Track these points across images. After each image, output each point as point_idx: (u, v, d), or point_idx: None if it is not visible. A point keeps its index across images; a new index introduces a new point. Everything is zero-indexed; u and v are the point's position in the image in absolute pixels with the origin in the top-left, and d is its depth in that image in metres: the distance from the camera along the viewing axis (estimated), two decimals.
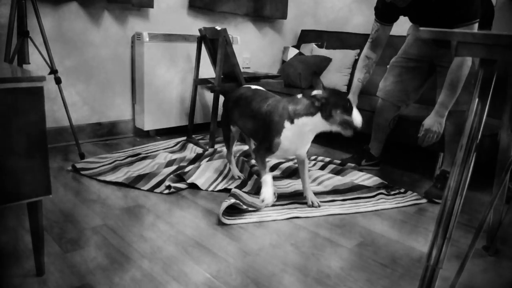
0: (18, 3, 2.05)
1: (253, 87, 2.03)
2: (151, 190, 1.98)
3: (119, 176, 2.08)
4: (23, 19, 2.09)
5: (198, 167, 2.18)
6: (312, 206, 1.89)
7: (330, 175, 2.26)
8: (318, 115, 1.68)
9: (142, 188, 1.99)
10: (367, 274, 1.40)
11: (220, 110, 2.79)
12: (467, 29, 1.82)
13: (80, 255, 1.41)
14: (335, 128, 1.70)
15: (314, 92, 1.68)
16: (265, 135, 1.79)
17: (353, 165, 2.42)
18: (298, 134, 1.74)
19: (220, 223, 1.70)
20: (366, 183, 2.18)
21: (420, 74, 2.26)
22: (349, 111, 1.68)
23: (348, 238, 1.65)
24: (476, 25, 1.84)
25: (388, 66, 2.40)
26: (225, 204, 1.73)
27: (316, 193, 2.02)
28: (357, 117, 1.70)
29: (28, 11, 2.11)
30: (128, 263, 1.38)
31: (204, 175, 2.12)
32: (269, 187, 1.83)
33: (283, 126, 1.73)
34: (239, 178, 2.14)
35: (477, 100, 0.90)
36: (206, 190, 2.03)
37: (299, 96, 1.75)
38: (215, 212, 1.81)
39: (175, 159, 2.32)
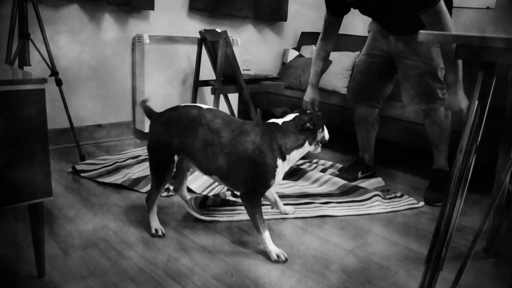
0: (19, 5, 2.06)
1: (203, 106, 1.57)
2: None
3: (118, 178, 2.09)
4: (24, 21, 2.09)
5: (192, 171, 2.15)
6: (286, 213, 1.83)
7: (329, 176, 2.25)
8: (306, 143, 1.55)
9: (141, 190, 1.99)
10: (367, 276, 1.41)
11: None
12: (432, 11, 1.74)
13: (81, 256, 1.41)
14: (312, 149, 1.61)
15: (291, 117, 1.56)
16: (257, 179, 1.49)
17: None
18: (287, 168, 1.56)
19: (220, 225, 1.71)
20: (365, 184, 2.18)
21: (385, 68, 2.22)
22: (323, 128, 1.62)
23: (348, 240, 1.65)
24: (440, 4, 1.74)
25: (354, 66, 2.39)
26: (195, 202, 1.79)
27: (311, 195, 2.02)
28: (326, 133, 1.65)
29: (29, 13, 2.12)
30: (128, 264, 1.38)
31: (200, 179, 2.10)
32: (271, 243, 1.50)
33: (277, 165, 1.49)
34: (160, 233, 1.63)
35: (477, 102, 0.91)
36: (201, 194, 2.00)
37: (280, 122, 1.54)
38: None
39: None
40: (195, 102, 2.83)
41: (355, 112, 2.37)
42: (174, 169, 1.59)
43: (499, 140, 1.45)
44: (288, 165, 1.55)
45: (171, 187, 1.98)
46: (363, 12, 2.11)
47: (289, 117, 1.57)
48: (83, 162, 2.29)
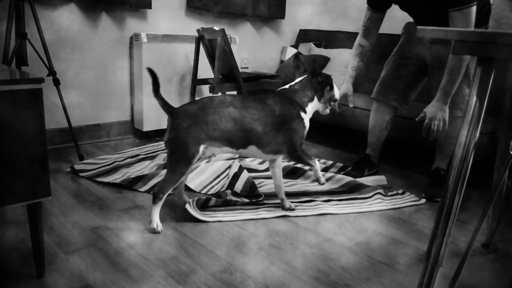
0: (16, 5, 2.05)
1: (219, 94, 1.86)
2: (149, 191, 1.98)
3: (117, 177, 2.08)
4: (21, 21, 2.08)
5: (195, 168, 2.16)
6: (290, 208, 1.85)
7: (331, 174, 2.25)
8: (315, 99, 1.77)
9: (139, 189, 1.99)
10: (367, 272, 1.41)
11: None
12: (463, 14, 1.76)
13: (80, 256, 1.41)
14: (320, 108, 1.83)
15: (298, 80, 1.79)
16: (293, 135, 1.70)
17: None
18: (308, 119, 1.78)
19: (221, 224, 1.71)
20: (367, 181, 2.18)
21: (415, 72, 2.23)
22: (332, 87, 1.81)
23: (348, 236, 1.65)
24: (473, 8, 1.75)
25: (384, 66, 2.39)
26: (196, 202, 1.78)
27: (312, 193, 2.02)
28: (336, 91, 1.83)
29: (26, 13, 2.11)
30: (128, 264, 1.38)
31: (199, 178, 2.11)
32: (320, 172, 1.88)
33: (302, 117, 1.73)
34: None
35: (475, 98, 0.91)
36: (199, 192, 2.01)
37: (287, 86, 1.78)
38: None
39: None
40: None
41: (374, 109, 2.36)
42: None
43: (497, 136, 1.45)
44: (308, 117, 1.76)
45: None
46: (403, 7, 2.11)
47: (296, 80, 1.80)
48: (81, 162, 2.28)
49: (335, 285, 1.33)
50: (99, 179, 2.07)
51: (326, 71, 3.28)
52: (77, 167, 2.18)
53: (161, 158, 2.37)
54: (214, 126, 1.59)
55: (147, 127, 2.87)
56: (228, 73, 2.66)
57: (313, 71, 1.77)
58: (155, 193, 1.61)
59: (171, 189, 1.62)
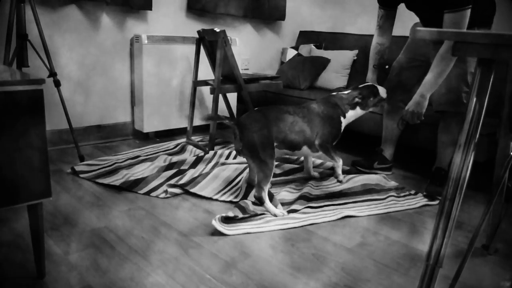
0: (16, 6, 2.06)
1: (268, 106, 2.01)
2: (147, 194, 1.97)
3: (117, 179, 2.08)
4: (21, 22, 2.09)
5: (204, 176, 2.09)
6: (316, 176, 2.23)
7: (351, 175, 2.27)
8: (358, 108, 2.14)
9: (139, 192, 1.99)
10: (367, 274, 1.41)
11: (221, 112, 2.81)
12: (457, 15, 1.81)
13: (81, 257, 1.41)
14: (369, 110, 2.20)
15: (346, 93, 2.16)
16: (331, 132, 2.06)
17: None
18: (346, 123, 2.15)
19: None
20: (370, 179, 2.19)
21: (421, 73, 2.24)
22: (377, 93, 2.16)
23: (348, 238, 1.65)
24: (467, 11, 1.80)
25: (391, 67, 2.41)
26: (221, 217, 1.69)
27: (331, 195, 2.03)
28: (382, 92, 2.17)
29: (26, 14, 2.12)
30: (128, 265, 1.38)
31: (210, 185, 2.04)
32: (341, 170, 2.19)
33: (341, 121, 2.10)
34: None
35: (475, 99, 0.91)
36: (211, 198, 1.96)
37: (335, 93, 2.17)
38: (215, 213, 1.81)
39: (175, 162, 2.32)
40: (194, 102, 2.84)
41: (385, 110, 2.43)
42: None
43: (497, 137, 1.45)
44: (347, 122, 2.14)
45: (169, 189, 1.98)
46: (408, 6, 2.14)
47: (344, 92, 2.17)
48: (82, 163, 2.28)
49: (336, 286, 1.33)
50: (99, 181, 2.07)
51: (326, 72, 3.28)
52: (77, 168, 2.19)
53: (162, 160, 2.37)
54: (279, 129, 1.90)
55: (147, 128, 2.87)
56: (228, 74, 2.67)
57: (355, 87, 2.19)
58: (259, 198, 1.81)
59: (268, 185, 1.83)
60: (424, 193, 2.10)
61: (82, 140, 2.72)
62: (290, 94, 3.13)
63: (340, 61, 3.27)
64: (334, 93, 2.17)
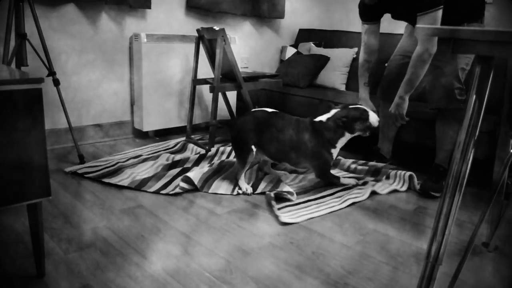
0: (15, 5, 2.05)
1: (268, 110, 2.09)
2: (157, 192, 1.98)
3: (123, 178, 2.08)
4: (20, 21, 2.08)
5: (215, 173, 2.16)
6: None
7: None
8: (346, 133, 2.03)
9: (148, 190, 1.99)
10: (367, 271, 1.41)
11: (221, 110, 2.80)
12: (428, 17, 1.86)
13: (80, 256, 1.41)
14: (357, 134, 2.06)
15: (332, 113, 2.05)
16: (322, 166, 2.08)
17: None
18: (337, 151, 2.09)
19: (221, 224, 1.71)
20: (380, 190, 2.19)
21: None
22: (367, 118, 2.01)
23: (348, 236, 1.65)
24: (439, 12, 1.85)
25: (386, 65, 2.41)
26: (272, 200, 1.89)
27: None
28: (373, 119, 2.02)
29: (25, 13, 2.11)
30: (128, 264, 1.38)
31: (224, 182, 2.11)
32: (345, 181, 2.15)
33: (331, 152, 2.06)
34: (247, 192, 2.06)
35: (474, 96, 0.91)
36: (231, 194, 2.02)
37: (324, 119, 2.05)
38: (215, 212, 1.81)
39: (178, 161, 2.32)
40: (193, 101, 2.84)
41: (381, 107, 2.44)
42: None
43: (497, 135, 1.45)
44: (337, 150, 2.07)
45: (181, 184, 2.00)
46: (393, 16, 2.18)
47: (331, 112, 2.06)
48: (83, 165, 2.25)
49: (335, 284, 1.33)
50: (106, 180, 2.06)
51: (325, 71, 3.28)
52: (80, 171, 2.16)
53: (164, 158, 2.38)
54: (261, 137, 2.00)
55: (147, 127, 2.87)
56: (228, 72, 2.66)
57: (344, 106, 2.07)
58: (237, 180, 2.08)
59: (242, 175, 2.06)
60: (419, 190, 2.11)
61: (81, 139, 2.72)
62: (289, 93, 3.13)
63: (339, 59, 3.26)
64: (323, 120, 2.05)
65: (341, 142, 2.06)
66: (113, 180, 2.06)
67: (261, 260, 1.45)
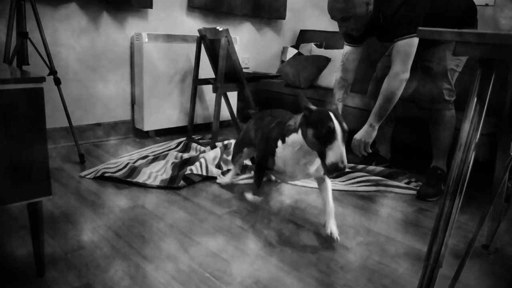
0: (17, 4, 2.05)
1: (280, 110, 1.91)
2: (188, 185, 2.09)
3: (147, 178, 2.09)
4: (22, 20, 2.09)
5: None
6: (331, 236, 1.57)
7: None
8: (299, 132, 1.49)
9: (179, 185, 2.05)
10: (367, 273, 1.41)
11: (221, 110, 2.80)
12: (404, 44, 1.91)
13: (80, 255, 1.41)
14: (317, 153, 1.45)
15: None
16: (263, 150, 1.69)
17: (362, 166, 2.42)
18: (291, 153, 1.55)
19: (219, 223, 1.71)
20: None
21: None
22: (325, 139, 1.36)
23: (348, 237, 1.65)
24: (415, 40, 1.90)
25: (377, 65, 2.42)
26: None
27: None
28: (333, 154, 1.34)
29: (27, 12, 2.12)
30: (128, 264, 1.38)
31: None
32: (251, 198, 1.81)
33: (276, 145, 1.60)
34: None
35: (475, 99, 0.91)
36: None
37: (297, 115, 1.59)
38: (215, 212, 1.81)
39: (188, 159, 2.33)
40: (195, 101, 2.84)
41: (372, 107, 2.41)
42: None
43: (498, 137, 1.45)
44: (289, 148, 1.55)
45: (192, 167, 2.06)
46: (379, 39, 2.21)
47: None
48: (96, 168, 2.19)
49: (335, 285, 1.33)
50: (134, 180, 2.06)
51: (327, 72, 3.28)
52: (89, 176, 2.12)
53: (173, 156, 2.39)
54: (255, 134, 1.89)
55: (147, 126, 2.87)
56: (229, 72, 2.66)
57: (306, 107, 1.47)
58: (231, 160, 2.13)
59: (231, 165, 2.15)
60: (416, 195, 2.11)
61: (82, 138, 2.72)
62: (290, 93, 3.12)
63: (340, 60, 3.26)
64: (291, 124, 1.58)
65: (294, 141, 1.52)
66: (141, 180, 2.07)
67: (260, 260, 1.45)
